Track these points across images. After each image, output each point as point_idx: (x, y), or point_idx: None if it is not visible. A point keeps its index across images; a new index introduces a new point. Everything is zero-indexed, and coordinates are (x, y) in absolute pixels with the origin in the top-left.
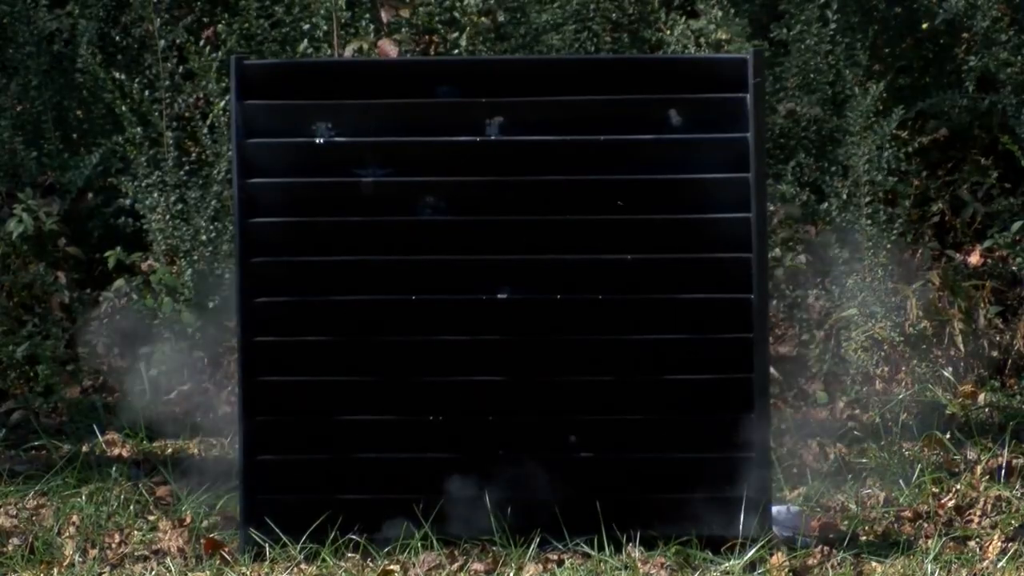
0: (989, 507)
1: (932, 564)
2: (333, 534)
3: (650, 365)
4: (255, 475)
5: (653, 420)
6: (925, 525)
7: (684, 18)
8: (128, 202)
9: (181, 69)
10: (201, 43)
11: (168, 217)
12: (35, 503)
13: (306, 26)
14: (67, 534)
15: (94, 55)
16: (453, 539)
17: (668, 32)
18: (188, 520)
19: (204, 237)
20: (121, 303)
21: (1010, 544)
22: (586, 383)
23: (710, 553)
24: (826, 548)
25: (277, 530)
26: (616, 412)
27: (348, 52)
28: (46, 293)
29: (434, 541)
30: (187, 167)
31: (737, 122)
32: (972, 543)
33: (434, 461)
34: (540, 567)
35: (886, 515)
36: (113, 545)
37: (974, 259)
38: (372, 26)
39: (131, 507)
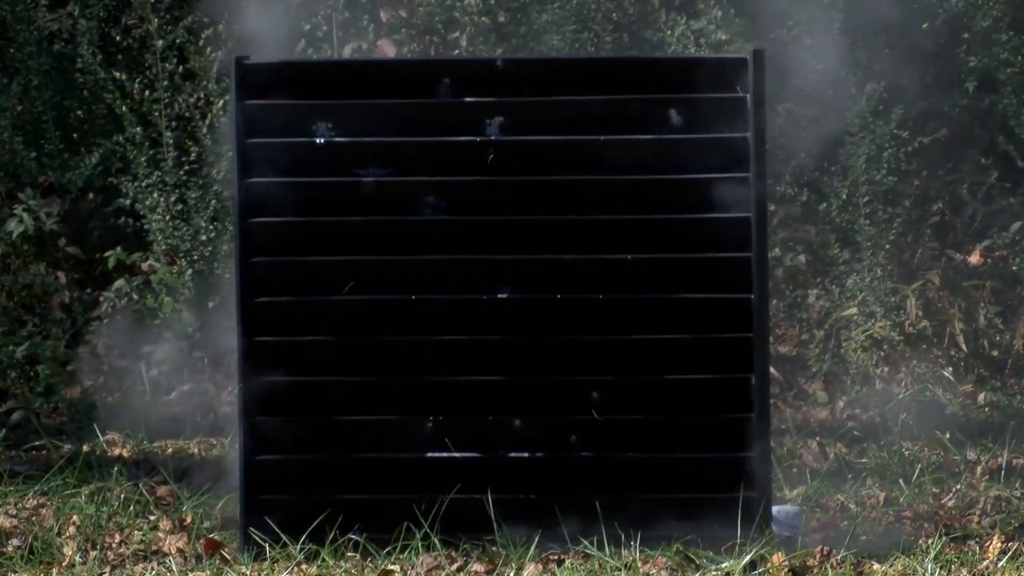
0: (989, 507)
1: (932, 564)
2: (333, 534)
3: (650, 365)
4: (255, 475)
5: (653, 420)
6: (925, 525)
7: (684, 18)
8: (128, 202)
9: (181, 69)
10: (201, 43)
11: (168, 217)
12: (35, 503)
13: (306, 26)
14: (67, 534)
15: (94, 55)
16: (453, 539)
17: (668, 32)
18: (188, 520)
19: (204, 237)
20: (121, 303)
21: (1010, 544)
22: (586, 383)
23: (710, 553)
24: (826, 548)
25: (277, 530)
26: (616, 412)
27: (348, 52)
28: (46, 293)
29: (434, 541)
30: (187, 167)
31: (737, 122)
32: (972, 543)
33: (434, 461)
34: (540, 567)
35: (886, 515)
36: (113, 545)
37: (974, 259)
38: (372, 26)
39: (131, 507)
